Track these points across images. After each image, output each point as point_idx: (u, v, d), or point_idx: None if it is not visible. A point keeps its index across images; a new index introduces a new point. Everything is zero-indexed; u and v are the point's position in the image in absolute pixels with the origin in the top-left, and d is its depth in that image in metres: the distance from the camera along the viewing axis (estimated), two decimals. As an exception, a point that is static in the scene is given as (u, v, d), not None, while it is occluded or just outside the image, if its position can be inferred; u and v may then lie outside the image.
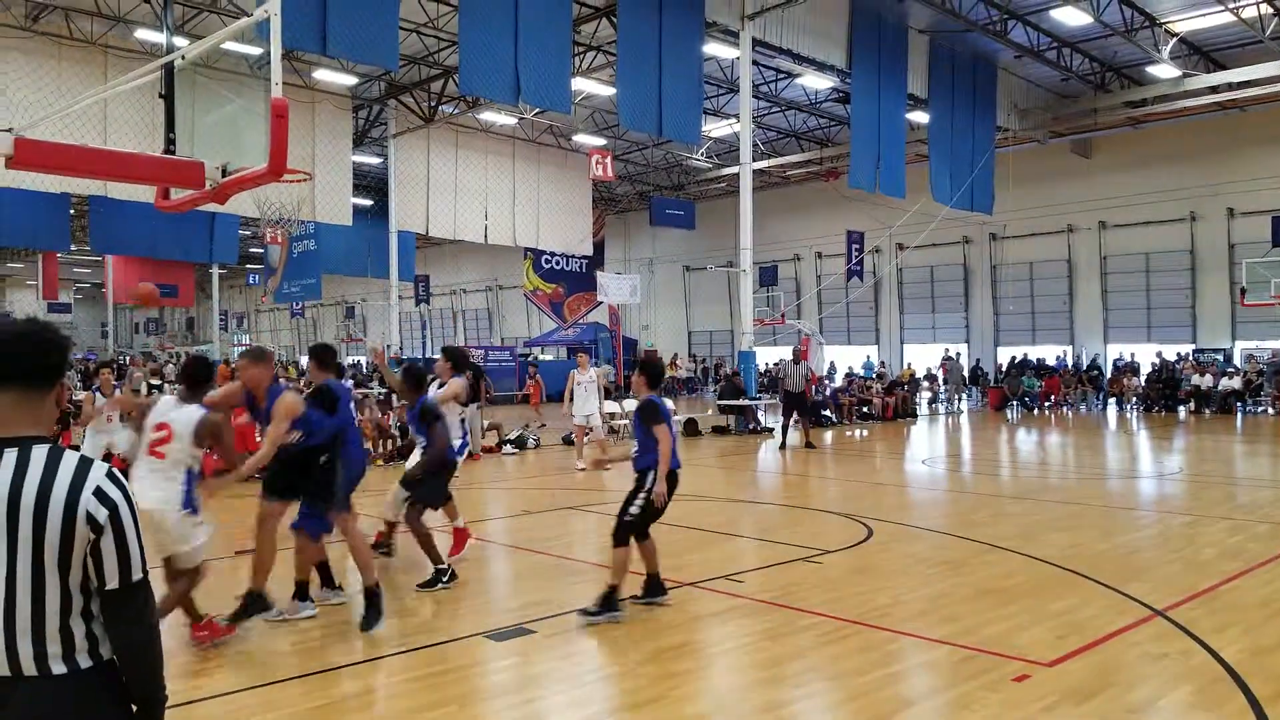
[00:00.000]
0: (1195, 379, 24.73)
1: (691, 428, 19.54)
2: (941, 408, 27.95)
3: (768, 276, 30.57)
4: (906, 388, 26.03)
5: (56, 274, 39.57)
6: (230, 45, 15.82)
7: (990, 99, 24.89)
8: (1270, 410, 23.61)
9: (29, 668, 1.90)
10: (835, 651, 5.28)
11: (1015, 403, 26.76)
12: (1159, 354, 26.72)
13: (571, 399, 13.99)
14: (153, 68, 6.96)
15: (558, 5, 17.39)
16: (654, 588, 6.17)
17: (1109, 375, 27.83)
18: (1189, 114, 25.60)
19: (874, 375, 29.07)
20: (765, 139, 30.84)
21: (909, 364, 32.64)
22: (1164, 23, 21.44)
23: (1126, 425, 21.88)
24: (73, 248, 33.56)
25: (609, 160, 25.64)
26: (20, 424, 1.97)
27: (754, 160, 22.48)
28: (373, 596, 5.76)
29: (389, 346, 27.22)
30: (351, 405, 6.57)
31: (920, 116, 24.60)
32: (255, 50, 17.46)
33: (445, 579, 6.70)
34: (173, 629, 5.28)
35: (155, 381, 21.32)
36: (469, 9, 16.28)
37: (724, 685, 4.95)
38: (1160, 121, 26.45)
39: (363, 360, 39.83)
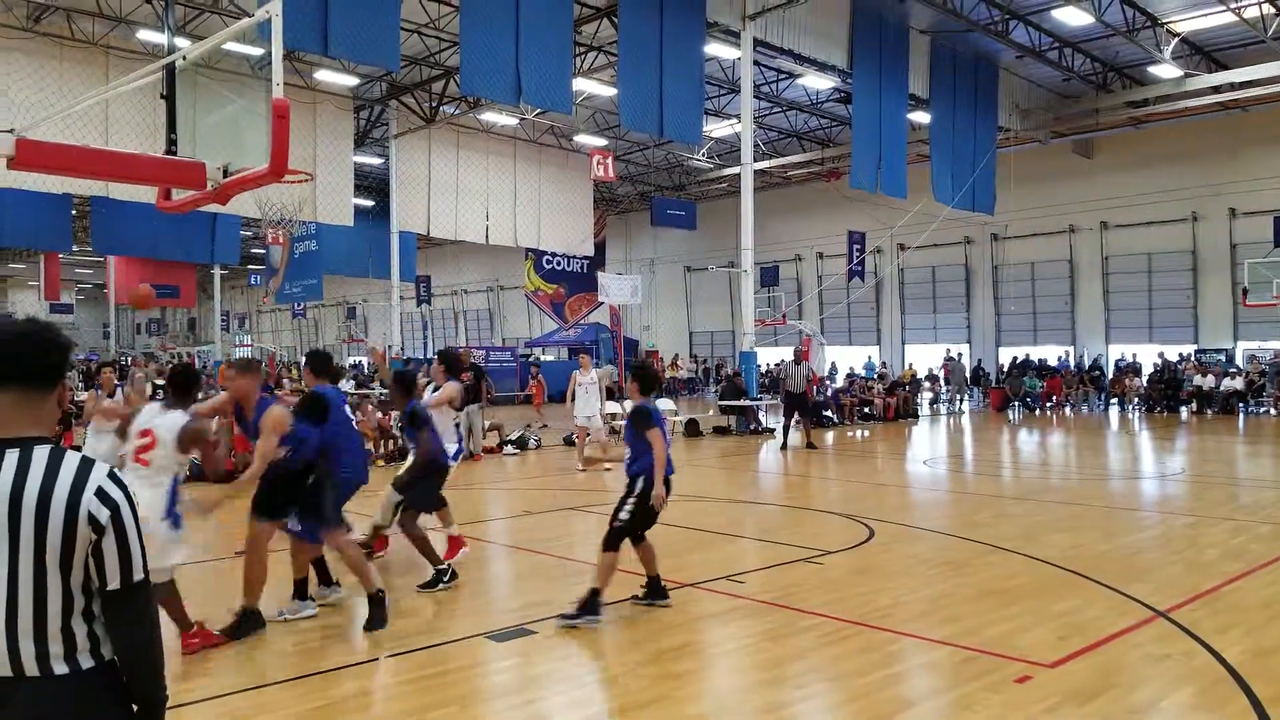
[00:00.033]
0: (1197, 379, 24.71)
1: (693, 428, 19.54)
2: (943, 408, 27.93)
3: (769, 277, 30.57)
4: (908, 388, 26.02)
5: (58, 275, 39.62)
6: (231, 46, 15.82)
7: (992, 99, 24.88)
8: (1272, 411, 23.58)
9: (31, 668, 1.90)
10: (836, 652, 5.27)
11: (1017, 403, 26.74)
12: (1161, 354, 26.71)
13: (574, 400, 14.00)
14: (154, 68, 6.96)
15: (559, 5, 17.39)
16: (655, 590, 6.16)
17: (1111, 376, 27.81)
18: (1191, 114, 25.57)
19: (875, 376, 29.07)
20: (766, 139, 30.83)
21: (910, 364, 32.62)
22: (1166, 23, 21.42)
23: (1128, 426, 21.86)
24: (74, 248, 33.64)
25: (610, 161, 25.63)
26: (21, 425, 1.97)
27: (755, 160, 22.46)
28: (377, 601, 5.76)
29: (390, 347, 27.22)
30: (347, 408, 6.54)
31: (922, 117, 24.59)
32: (257, 51, 17.48)
33: (446, 579, 6.70)
34: (172, 631, 5.28)
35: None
36: (470, 9, 16.28)
37: (725, 686, 4.95)
38: (1162, 121, 26.42)
39: (364, 361, 39.89)
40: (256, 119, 6.92)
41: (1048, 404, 26.77)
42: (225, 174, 6.36)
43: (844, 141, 28.71)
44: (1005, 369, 29.55)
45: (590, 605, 5.70)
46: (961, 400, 28.00)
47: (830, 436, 19.31)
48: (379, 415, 14.82)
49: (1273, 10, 20.09)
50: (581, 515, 10.03)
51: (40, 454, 1.94)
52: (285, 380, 20.07)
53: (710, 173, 34.06)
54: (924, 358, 32.53)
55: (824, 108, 27.87)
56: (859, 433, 20.78)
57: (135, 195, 18.87)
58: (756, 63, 21.97)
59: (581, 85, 21.82)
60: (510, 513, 10.83)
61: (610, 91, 22.86)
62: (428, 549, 6.78)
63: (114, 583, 1.95)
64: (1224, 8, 20.20)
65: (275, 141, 5.73)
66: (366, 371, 31.40)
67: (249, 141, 6.78)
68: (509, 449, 16.40)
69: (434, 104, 25.52)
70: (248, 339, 57.92)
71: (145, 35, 19.95)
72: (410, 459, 7.36)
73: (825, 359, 28.13)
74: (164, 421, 5.03)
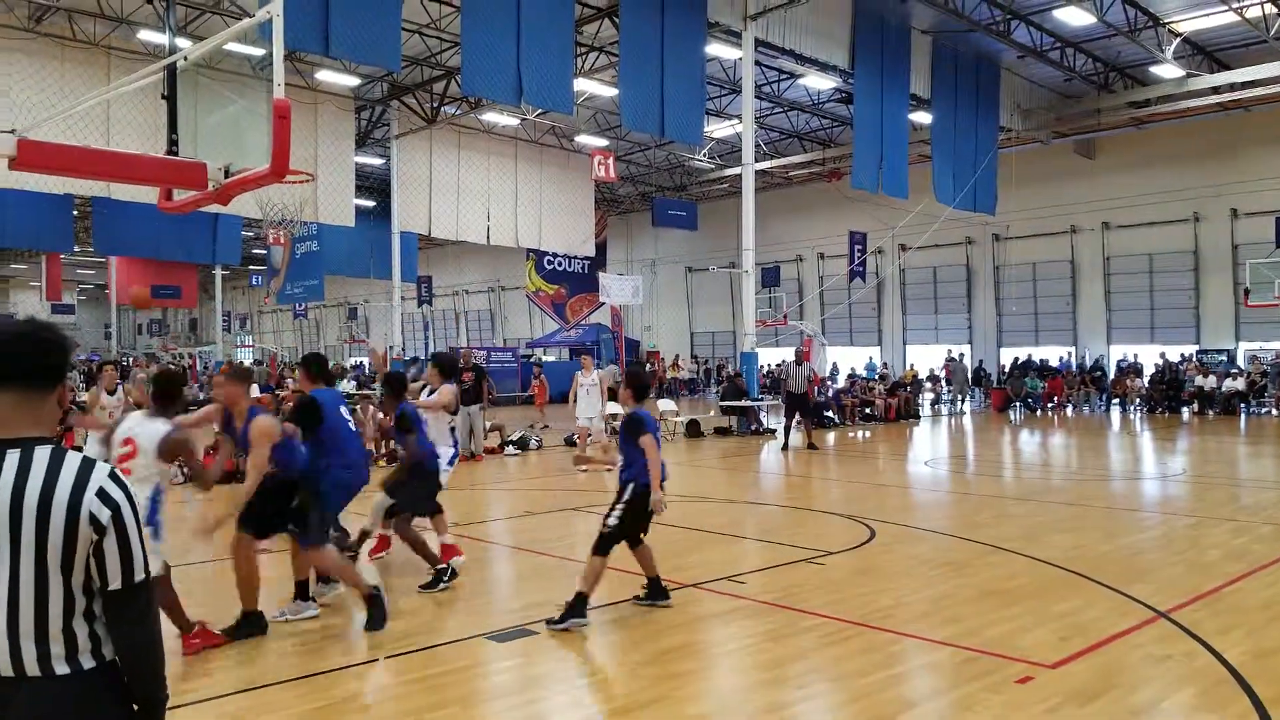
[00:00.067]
0: (1199, 380, 24.68)
1: (694, 429, 19.53)
2: (944, 409, 27.92)
3: (770, 277, 30.56)
4: (909, 389, 26.00)
5: (60, 275, 39.65)
6: (233, 46, 15.82)
7: (993, 99, 24.86)
8: (1274, 411, 23.56)
9: (32, 668, 1.90)
10: (838, 653, 5.27)
11: (1018, 404, 26.71)
12: (1162, 355, 26.67)
13: (576, 401, 13.99)
14: (155, 69, 6.97)
15: (560, 6, 17.39)
16: (656, 591, 6.16)
17: (1112, 376, 27.78)
18: (1192, 114, 25.55)
19: (876, 376, 29.04)
20: (767, 140, 30.81)
21: (911, 365, 32.60)
22: (1167, 23, 21.40)
23: (1130, 426, 21.85)
24: (76, 249, 33.65)
25: (611, 161, 25.63)
26: (22, 425, 1.97)
27: (756, 161, 22.45)
28: (373, 601, 5.76)
29: (391, 348, 27.23)
30: (344, 409, 6.51)
31: (923, 117, 24.57)
32: (258, 51, 17.47)
33: (446, 578, 6.70)
34: (172, 633, 5.28)
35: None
36: (471, 10, 16.28)
37: (726, 686, 4.95)
38: (1164, 122, 26.40)
39: (365, 362, 39.91)
40: (258, 119, 6.93)
41: (1049, 405, 26.75)
42: (226, 174, 6.37)
43: (845, 142, 28.69)
44: (1007, 369, 29.52)
45: (576, 609, 5.68)
46: (963, 401, 27.98)
47: (831, 437, 19.31)
48: (380, 416, 14.82)
49: (1274, 10, 20.07)
50: (583, 516, 10.03)
51: (41, 454, 1.94)
52: (287, 381, 20.09)
53: (711, 173, 34.06)
54: (925, 358, 32.51)
55: (825, 108, 27.86)
56: (860, 433, 20.77)
57: (137, 196, 18.88)
58: (758, 63, 21.96)
59: (582, 85, 21.82)
60: (512, 513, 10.84)
61: (611, 92, 22.85)
62: (424, 550, 6.79)
63: (115, 583, 1.95)
64: (1226, 8, 20.18)
65: (276, 142, 5.74)
66: (368, 373, 31.41)
67: (250, 142, 6.79)
68: (510, 449, 16.40)
69: (435, 104, 25.52)
70: (249, 339, 57.90)
71: (146, 36, 19.96)
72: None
73: (826, 359, 28.12)
74: (145, 430, 4.92)
